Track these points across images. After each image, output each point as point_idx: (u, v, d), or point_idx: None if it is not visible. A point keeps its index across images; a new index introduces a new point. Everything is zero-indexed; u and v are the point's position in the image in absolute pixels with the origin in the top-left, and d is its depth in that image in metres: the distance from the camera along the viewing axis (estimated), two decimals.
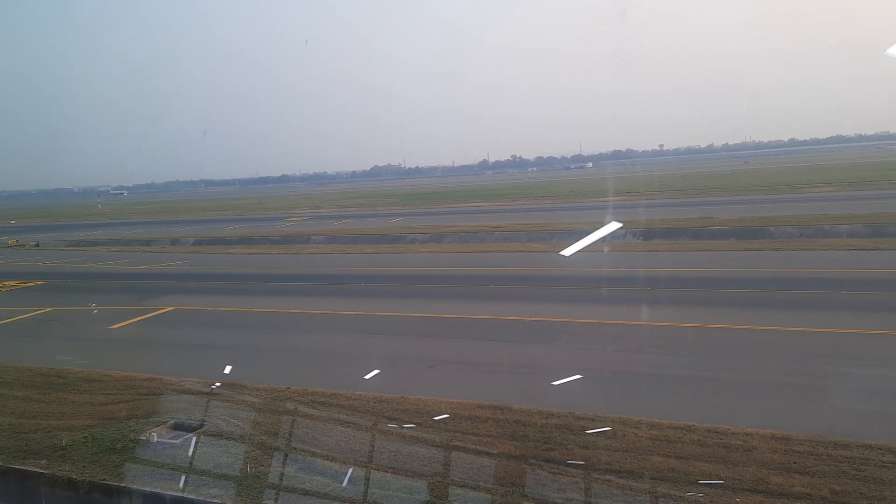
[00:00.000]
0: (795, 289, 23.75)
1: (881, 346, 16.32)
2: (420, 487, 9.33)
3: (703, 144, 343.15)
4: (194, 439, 11.08)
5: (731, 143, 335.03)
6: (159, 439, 11.10)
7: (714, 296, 23.31)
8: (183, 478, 9.92)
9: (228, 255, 46.34)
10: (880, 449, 9.93)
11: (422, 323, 21.86)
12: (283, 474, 9.92)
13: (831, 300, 21.43)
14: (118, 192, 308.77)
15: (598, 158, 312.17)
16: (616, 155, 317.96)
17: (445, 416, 12.30)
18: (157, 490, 9.62)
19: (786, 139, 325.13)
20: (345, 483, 9.60)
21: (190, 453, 10.63)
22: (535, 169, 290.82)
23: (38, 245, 61.16)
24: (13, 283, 35.64)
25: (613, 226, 34.96)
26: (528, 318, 21.23)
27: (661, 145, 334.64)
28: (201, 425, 11.65)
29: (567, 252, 32.37)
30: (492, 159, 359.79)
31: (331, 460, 10.29)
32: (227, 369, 16.53)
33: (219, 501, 9.16)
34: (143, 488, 9.73)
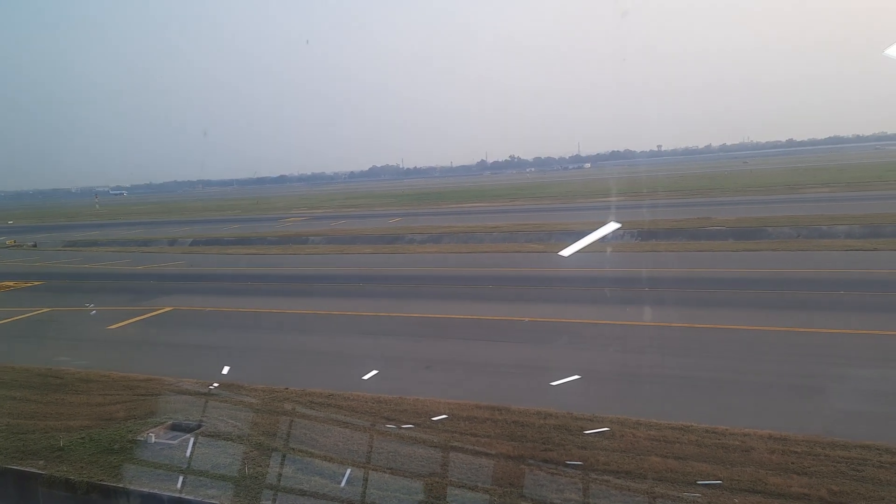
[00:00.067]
0: (793, 289, 23.78)
1: (879, 347, 16.34)
2: (418, 488, 9.33)
3: (701, 145, 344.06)
4: (192, 440, 11.06)
5: (728, 143, 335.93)
6: (157, 440, 11.09)
7: (712, 296, 23.34)
8: (181, 478, 9.90)
9: (226, 256, 46.31)
10: (878, 449, 9.95)
11: (420, 323, 21.85)
12: (281, 475, 9.91)
13: (829, 300, 21.45)
14: (118, 192, 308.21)
15: (596, 159, 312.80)
16: (614, 155, 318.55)
17: (444, 416, 12.30)
18: (155, 491, 9.61)
19: (783, 140, 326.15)
20: (343, 483, 9.60)
21: (188, 454, 10.62)
22: (533, 169, 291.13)
23: (35, 245, 61.06)
24: (11, 283, 35.58)
25: (612, 226, 35.06)
26: (527, 319, 21.24)
27: (659, 146, 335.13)
28: (199, 426, 11.63)
29: (566, 252, 32.43)
30: (490, 160, 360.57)
31: (329, 461, 10.28)
32: (225, 370, 16.53)
33: (217, 502, 9.14)
34: (141, 489, 9.71)
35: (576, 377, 14.65)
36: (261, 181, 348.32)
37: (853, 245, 31.93)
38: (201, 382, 14.95)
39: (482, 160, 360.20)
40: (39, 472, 10.52)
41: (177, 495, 9.47)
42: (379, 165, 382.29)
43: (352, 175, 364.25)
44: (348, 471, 9.93)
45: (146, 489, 9.68)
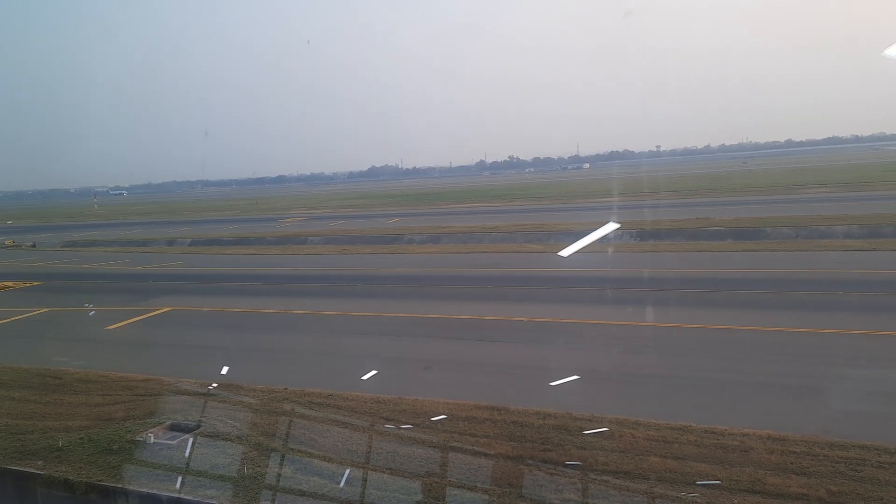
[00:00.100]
0: (791, 289, 23.81)
1: (877, 347, 16.36)
2: (417, 488, 9.33)
3: (700, 145, 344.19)
4: (191, 440, 11.06)
5: (727, 143, 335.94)
6: (156, 440, 11.08)
7: (711, 296, 23.36)
8: (180, 479, 9.90)
9: (225, 256, 46.29)
10: (877, 449, 9.96)
11: (419, 323, 21.85)
12: (279, 475, 9.91)
13: (828, 301, 21.47)
14: (117, 192, 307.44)
15: (595, 159, 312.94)
16: (613, 156, 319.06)
17: (443, 416, 12.30)
18: (154, 491, 9.60)
19: (782, 140, 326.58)
20: (342, 484, 9.60)
21: (187, 454, 10.61)
22: (532, 170, 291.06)
23: (34, 245, 61.00)
24: (9, 283, 35.56)
25: (611, 226, 35.07)
26: (526, 319, 21.25)
27: (658, 146, 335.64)
28: (198, 426, 11.63)
29: (565, 253, 32.44)
30: (489, 160, 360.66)
31: (328, 461, 10.28)
32: (224, 370, 16.52)
33: (215, 502, 9.14)
34: (140, 489, 9.71)
35: (575, 377, 14.66)
36: (260, 181, 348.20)
37: (852, 245, 31.96)
38: (200, 383, 14.94)
39: (481, 160, 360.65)
40: (38, 472, 10.51)
41: (176, 495, 9.46)
42: (378, 165, 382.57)
43: (351, 175, 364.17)
44: (347, 471, 9.93)
45: (145, 489, 9.67)
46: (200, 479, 9.84)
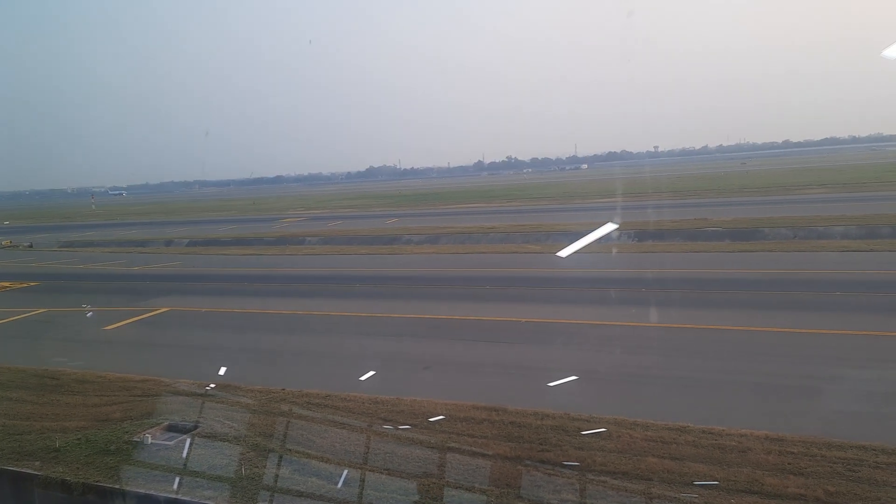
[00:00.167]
0: (789, 290, 23.86)
1: (875, 348, 16.39)
2: (415, 489, 9.33)
3: (698, 146, 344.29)
4: (189, 441, 11.04)
5: (725, 144, 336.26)
6: (153, 441, 11.06)
7: (709, 297, 23.38)
8: (177, 479, 9.88)
9: (223, 256, 46.23)
10: (874, 450, 9.97)
11: (417, 324, 21.84)
12: (277, 476, 9.90)
13: (825, 301, 21.50)
14: (117, 192, 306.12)
15: (592, 160, 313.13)
16: (611, 156, 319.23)
17: (441, 417, 12.30)
18: (152, 492, 9.58)
19: (780, 141, 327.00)
20: (339, 485, 9.59)
21: (184, 455, 10.60)
22: (530, 170, 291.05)
23: (31, 246, 60.89)
24: (6, 283, 35.48)
25: (609, 227, 35.08)
26: (524, 320, 21.24)
27: (655, 146, 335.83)
28: (196, 427, 11.61)
29: (563, 253, 32.45)
30: (487, 160, 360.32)
31: (326, 462, 10.27)
32: (222, 370, 16.50)
33: (213, 503, 9.13)
34: (138, 490, 9.69)
35: (573, 377, 14.66)
36: (258, 181, 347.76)
37: (849, 246, 32.01)
38: (198, 383, 14.91)
39: (479, 161, 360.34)
40: (35, 472, 10.49)
41: (173, 496, 9.44)
42: (376, 166, 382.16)
43: (349, 175, 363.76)
44: (345, 472, 9.93)
45: (142, 490, 9.66)
46: (198, 479, 9.83)
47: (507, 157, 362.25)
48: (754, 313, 20.58)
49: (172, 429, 11.73)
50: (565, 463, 10.03)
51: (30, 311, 27.03)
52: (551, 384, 14.52)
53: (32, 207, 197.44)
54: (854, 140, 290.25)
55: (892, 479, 9.14)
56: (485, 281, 29.96)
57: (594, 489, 9.27)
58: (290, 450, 10.71)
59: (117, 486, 9.84)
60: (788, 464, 9.71)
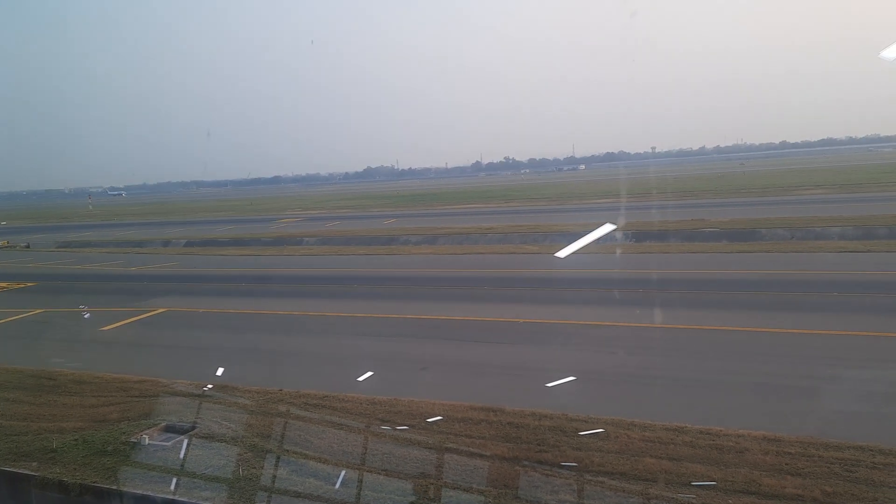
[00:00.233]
0: (786, 290, 23.90)
1: (872, 348, 16.41)
2: (413, 489, 9.32)
3: (695, 146, 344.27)
4: (186, 442, 11.03)
5: (722, 145, 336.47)
6: (151, 442, 11.05)
7: (706, 297, 23.40)
8: (174, 480, 9.87)
9: (220, 257, 46.18)
10: (871, 450, 9.99)
11: (415, 324, 21.83)
12: (275, 476, 9.89)
13: (823, 302, 21.54)
14: (116, 192, 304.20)
15: (590, 160, 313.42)
16: (608, 157, 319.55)
17: (438, 417, 12.30)
18: (149, 493, 9.57)
19: (777, 142, 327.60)
20: (337, 485, 9.58)
21: (181, 456, 10.59)
22: (528, 171, 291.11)
23: (28, 246, 60.75)
24: (4, 284, 35.41)
25: (607, 227, 35.08)
26: (522, 320, 21.25)
27: (653, 147, 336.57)
28: (193, 427, 11.60)
29: (561, 254, 32.47)
30: (485, 161, 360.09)
31: (323, 462, 10.27)
32: (219, 371, 16.48)
33: None
34: (135, 491, 9.68)
35: (571, 378, 14.67)
36: (255, 182, 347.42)
37: (847, 247, 32.06)
38: (195, 384, 14.90)
39: (477, 161, 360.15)
40: (32, 473, 10.47)
41: (170, 497, 9.43)
42: (374, 166, 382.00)
43: (346, 176, 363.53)
44: (343, 472, 9.92)
45: (140, 491, 9.64)
46: (195, 480, 9.82)
47: (504, 158, 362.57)
48: (752, 314, 20.61)
49: (170, 429, 11.71)
50: (563, 463, 10.03)
51: (27, 312, 26.97)
52: (549, 385, 14.53)
53: (29, 208, 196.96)
54: (851, 141, 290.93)
55: (889, 480, 9.16)
56: (483, 281, 29.97)
57: (592, 490, 9.27)
58: (287, 450, 10.70)
59: (114, 487, 9.83)
60: (786, 464, 9.73)
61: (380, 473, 9.82)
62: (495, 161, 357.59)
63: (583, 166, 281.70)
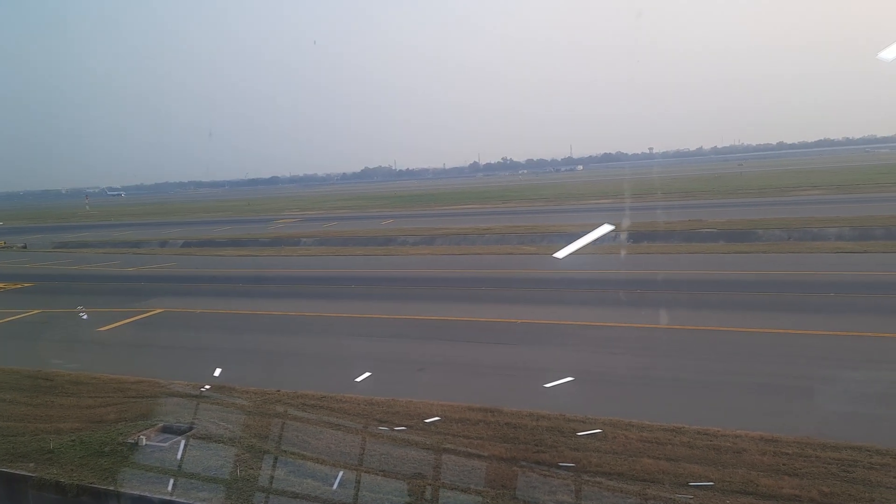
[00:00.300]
0: (784, 291, 23.94)
1: (869, 349, 16.44)
2: (411, 490, 9.32)
3: (692, 147, 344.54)
4: (183, 442, 11.02)
5: (719, 146, 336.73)
6: (148, 442, 11.03)
7: (704, 298, 23.43)
8: (172, 481, 9.86)
9: (218, 257, 46.13)
10: (868, 451, 10.00)
11: (413, 325, 21.83)
12: (272, 477, 9.88)
13: (820, 303, 21.57)
14: (115, 192, 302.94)
15: (588, 161, 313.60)
16: (606, 157, 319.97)
17: (436, 418, 12.29)
18: (146, 493, 9.56)
19: (774, 142, 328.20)
20: (335, 486, 9.58)
21: (179, 456, 10.57)
22: (525, 171, 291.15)
23: (25, 246, 60.62)
24: (1, 284, 35.34)
25: (605, 228, 35.08)
26: (520, 321, 21.25)
27: (650, 148, 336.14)
28: (190, 428, 11.58)
29: (560, 254, 32.47)
30: (483, 161, 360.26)
31: (321, 463, 10.26)
32: (217, 372, 16.46)
33: None
34: (132, 492, 9.66)
35: (569, 379, 14.67)
36: (253, 182, 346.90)
37: (844, 247, 32.12)
38: (192, 384, 14.88)
39: (475, 162, 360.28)
40: (29, 474, 10.45)
41: (168, 498, 9.42)
42: (371, 167, 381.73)
43: (344, 176, 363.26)
44: (340, 473, 9.91)
45: (137, 492, 9.63)
46: (193, 481, 9.81)
47: (502, 159, 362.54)
48: (750, 314, 20.63)
49: (167, 430, 11.70)
50: (561, 464, 10.04)
51: (24, 313, 26.92)
52: (547, 385, 14.54)
53: (26, 208, 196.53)
54: (848, 142, 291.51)
55: (886, 480, 9.18)
56: (481, 282, 29.98)
57: (589, 490, 9.27)
58: (285, 451, 10.70)
59: (112, 488, 9.81)
60: (783, 464, 9.74)
61: (377, 474, 9.82)
62: (493, 162, 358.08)
63: (581, 167, 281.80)
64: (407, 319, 22.73)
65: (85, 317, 25.37)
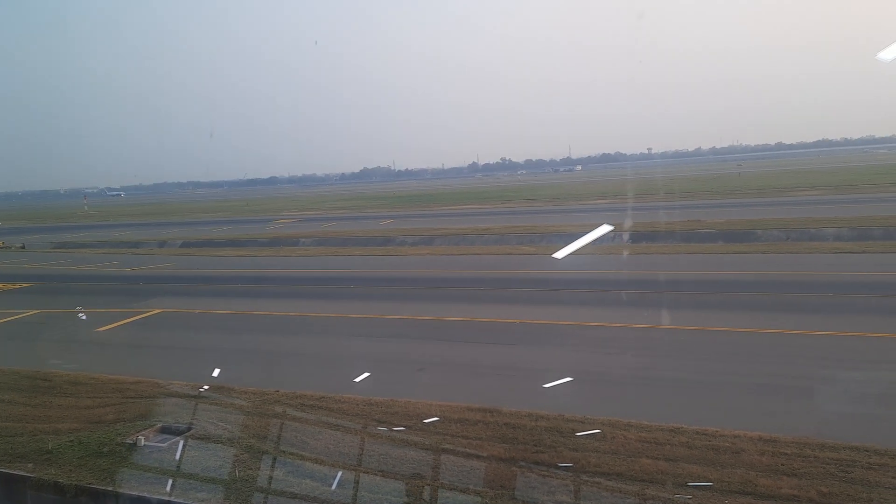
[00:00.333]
0: (782, 291, 23.95)
1: (867, 349, 16.46)
2: (410, 490, 9.32)
3: (691, 148, 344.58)
4: (182, 443, 11.01)
5: (718, 146, 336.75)
6: (146, 443, 11.02)
7: (703, 298, 23.45)
8: (170, 482, 9.85)
9: (217, 258, 46.11)
10: (867, 451, 10.02)
11: (412, 325, 21.83)
12: (271, 478, 9.88)
13: (819, 303, 21.58)
14: (115, 193, 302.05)
15: (586, 161, 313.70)
16: (605, 158, 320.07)
17: (435, 418, 12.29)
18: (145, 494, 9.55)
19: (772, 143, 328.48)
20: (333, 486, 9.57)
21: (177, 457, 10.57)
22: (524, 172, 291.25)
23: (23, 247, 60.54)
24: None
25: (604, 228, 35.12)
26: (519, 321, 21.25)
27: (649, 148, 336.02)
28: (189, 429, 11.58)
29: (559, 255, 32.47)
30: (481, 162, 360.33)
31: (319, 463, 10.25)
32: (216, 372, 16.45)
33: None
34: (131, 492, 9.66)
35: (568, 379, 14.68)
36: (251, 183, 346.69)
37: (842, 248, 32.15)
38: (191, 385, 14.86)
39: (474, 162, 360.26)
40: (28, 474, 10.44)
41: (166, 498, 9.42)
42: (370, 167, 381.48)
43: (343, 177, 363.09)
44: (339, 473, 9.91)
45: (135, 492, 9.62)
46: (191, 482, 9.80)
47: (501, 159, 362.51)
48: (748, 315, 20.65)
49: (166, 431, 11.69)
50: (560, 464, 10.04)
51: (22, 313, 26.88)
52: (546, 386, 14.54)
53: (25, 208, 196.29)
54: (847, 142, 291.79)
55: (884, 480, 9.19)
56: (480, 282, 29.98)
57: (588, 490, 9.28)
58: (284, 451, 10.69)
59: (110, 489, 9.81)
60: (782, 465, 9.75)
61: (376, 474, 9.81)
62: (492, 162, 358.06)
63: (579, 167, 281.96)
64: (406, 320, 22.73)
65: (83, 317, 25.34)
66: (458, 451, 10.67)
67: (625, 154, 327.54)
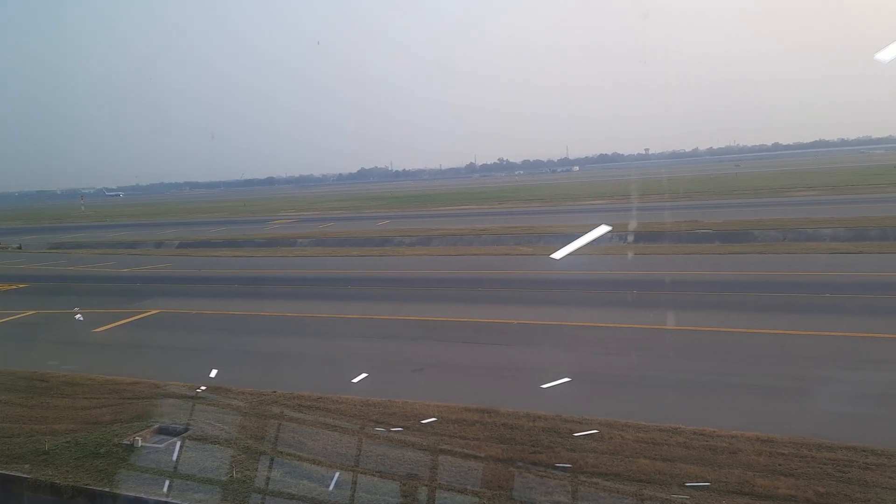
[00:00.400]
0: (779, 292, 23.98)
1: (865, 349, 16.49)
2: (407, 491, 9.31)
3: (688, 148, 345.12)
4: (179, 444, 10.99)
5: (715, 147, 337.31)
6: (144, 444, 11.00)
7: (700, 298, 23.47)
8: (167, 482, 9.83)
9: (214, 258, 46.05)
10: (864, 451, 10.03)
11: (410, 326, 21.82)
12: (268, 478, 9.86)
13: (816, 303, 21.62)
14: (113, 193, 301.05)
15: (584, 162, 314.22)
16: (602, 158, 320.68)
17: (433, 419, 12.29)
18: (142, 495, 9.54)
19: (769, 143, 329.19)
20: (331, 487, 9.57)
21: (174, 458, 10.55)
22: (521, 172, 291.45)
23: (20, 247, 60.40)
24: None
25: (602, 229, 35.17)
26: (516, 322, 21.26)
27: (646, 149, 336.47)
28: (186, 429, 11.56)
29: (557, 255, 32.49)
30: (479, 162, 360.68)
31: (317, 464, 10.24)
32: (213, 373, 16.43)
33: None
34: (128, 493, 9.64)
35: (566, 379, 14.69)
36: (248, 183, 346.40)
37: (839, 248, 32.22)
38: (188, 385, 14.84)
39: (471, 163, 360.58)
40: (24, 476, 10.42)
41: (163, 499, 9.40)
42: (368, 168, 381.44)
43: (340, 177, 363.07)
44: (337, 474, 9.90)
45: (132, 493, 9.61)
46: (188, 483, 9.79)
47: (498, 159, 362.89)
48: (746, 315, 20.67)
49: (163, 431, 11.67)
50: (557, 465, 10.04)
51: (19, 314, 26.82)
52: (544, 386, 14.54)
53: (22, 208, 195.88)
54: (843, 143, 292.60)
55: (882, 480, 9.21)
56: (477, 283, 29.98)
57: (586, 491, 9.28)
58: (281, 452, 10.68)
59: (107, 490, 9.79)
60: (779, 465, 9.76)
61: (374, 475, 9.81)
62: (489, 162, 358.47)
63: (577, 168, 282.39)
64: (403, 320, 22.72)
65: (80, 318, 25.27)
66: (455, 451, 10.67)
67: (622, 155, 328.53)
